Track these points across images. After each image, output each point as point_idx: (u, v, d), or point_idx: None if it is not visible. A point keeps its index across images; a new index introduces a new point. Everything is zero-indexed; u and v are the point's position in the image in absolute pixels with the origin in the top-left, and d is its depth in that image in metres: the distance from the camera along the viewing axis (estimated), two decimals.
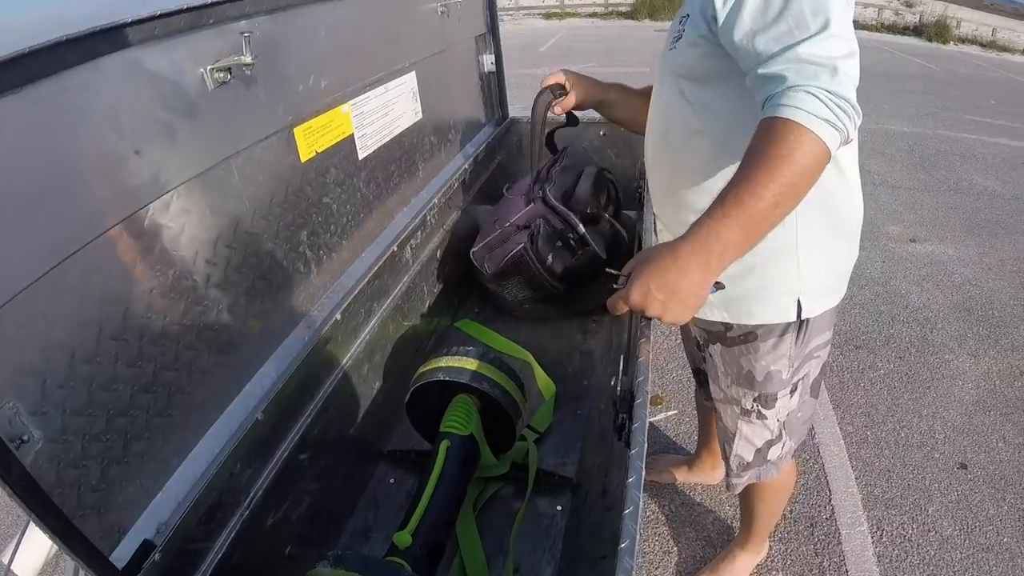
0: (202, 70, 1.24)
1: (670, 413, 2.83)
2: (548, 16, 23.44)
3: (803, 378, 1.55)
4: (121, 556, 1.09)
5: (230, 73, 1.30)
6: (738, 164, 1.03)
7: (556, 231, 2.28)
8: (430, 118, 2.43)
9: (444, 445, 1.59)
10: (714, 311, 1.47)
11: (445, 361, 1.76)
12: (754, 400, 1.56)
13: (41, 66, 0.91)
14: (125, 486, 1.12)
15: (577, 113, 1.93)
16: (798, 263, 1.35)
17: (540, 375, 2.23)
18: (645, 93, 1.72)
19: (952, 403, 3.05)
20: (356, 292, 1.78)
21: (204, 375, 1.31)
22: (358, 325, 1.83)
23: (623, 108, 1.85)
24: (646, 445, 1.08)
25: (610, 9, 22.85)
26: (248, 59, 1.30)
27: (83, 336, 1.02)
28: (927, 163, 6.69)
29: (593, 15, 23.09)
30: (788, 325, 1.42)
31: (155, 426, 1.18)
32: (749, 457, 1.67)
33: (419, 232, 2.22)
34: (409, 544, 1.37)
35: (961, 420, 2.95)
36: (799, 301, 1.38)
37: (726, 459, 1.74)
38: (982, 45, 21.08)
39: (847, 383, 3.17)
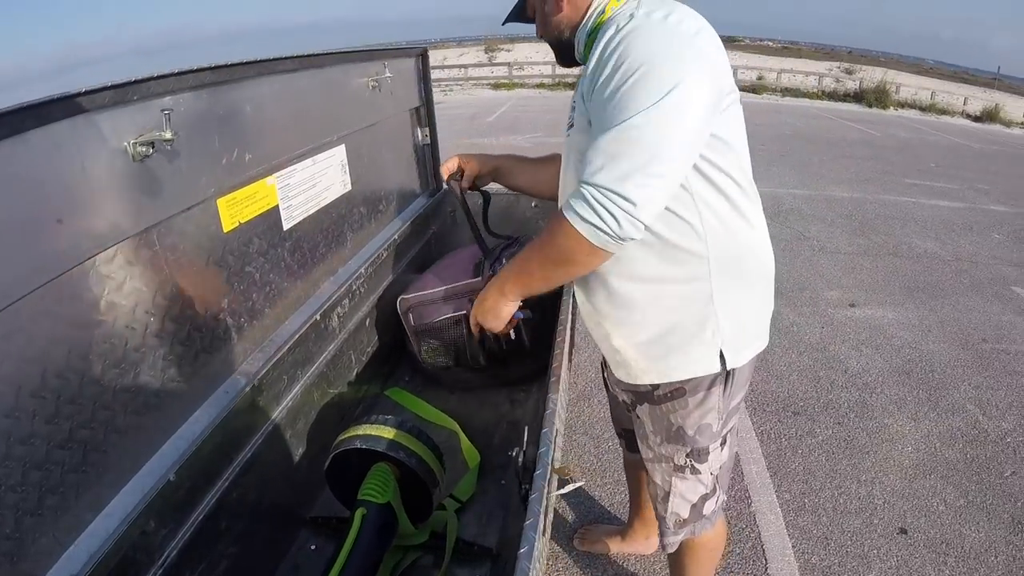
0: (125, 143, 1.34)
1: (576, 484, 2.89)
2: (496, 86, 24.27)
3: (731, 430, 1.67)
4: None
5: (152, 147, 1.39)
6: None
7: None
8: (360, 189, 2.55)
9: (360, 513, 1.67)
10: (642, 376, 1.59)
11: (363, 429, 1.85)
12: (687, 456, 1.65)
13: None
14: (38, 537, 1.18)
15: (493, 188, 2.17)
16: (716, 316, 1.48)
17: (466, 444, 2.31)
18: (541, 161, 2.12)
19: (891, 467, 3.19)
20: (277, 359, 1.86)
21: (120, 434, 1.38)
22: (280, 392, 1.90)
23: (518, 176, 2.17)
24: (542, 517, 1.18)
25: (557, 80, 23.85)
26: (168, 135, 1.39)
27: (2, 393, 1.10)
28: (867, 228, 7.07)
29: (540, 86, 24.02)
30: (715, 377, 1.54)
31: (69, 481, 1.24)
32: (686, 514, 1.75)
33: (346, 300, 2.32)
34: None
35: (901, 484, 3.08)
36: (722, 353, 1.50)
37: (661, 518, 1.81)
38: (922, 109, 22.34)
39: (784, 450, 3.30)
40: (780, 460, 3.24)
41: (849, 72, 28.65)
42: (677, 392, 1.58)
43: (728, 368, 1.53)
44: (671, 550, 1.88)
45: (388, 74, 2.67)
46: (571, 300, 1.87)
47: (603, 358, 1.86)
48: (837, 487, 3.05)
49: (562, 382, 1.62)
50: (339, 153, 2.38)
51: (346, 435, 1.88)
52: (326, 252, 2.37)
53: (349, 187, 2.48)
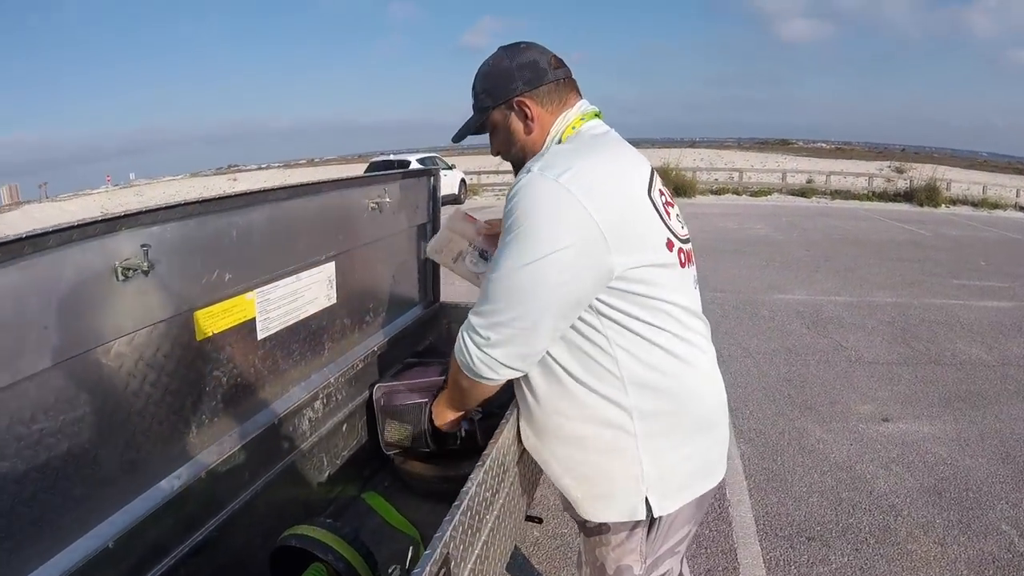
0: (114, 264, 1.51)
1: None
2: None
3: (663, 575, 1.62)
4: None
5: (138, 269, 1.56)
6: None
7: None
8: (345, 302, 2.64)
9: None
10: (574, 507, 1.61)
11: (303, 529, 1.94)
12: None
13: None
14: None
15: None
16: (641, 464, 1.47)
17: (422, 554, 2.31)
18: None
19: None
20: (233, 452, 1.98)
21: (75, 500, 1.52)
22: (240, 484, 2.02)
23: None
24: None
25: None
26: (145, 266, 1.57)
27: None
28: (908, 335, 6.87)
29: None
30: (638, 522, 1.52)
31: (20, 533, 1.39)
32: None
33: (318, 404, 2.42)
34: None
35: None
36: (647, 500, 1.48)
37: None
38: (973, 204, 22.04)
39: None
40: None
41: (900, 171, 28.52)
42: (602, 528, 1.58)
43: (655, 516, 1.50)
44: None
45: (388, 199, 2.78)
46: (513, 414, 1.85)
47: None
48: None
49: (469, 499, 1.54)
50: (327, 269, 2.48)
51: (288, 532, 1.97)
52: (300, 360, 2.45)
53: (334, 300, 2.57)
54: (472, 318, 1.44)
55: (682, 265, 1.49)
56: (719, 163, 36.61)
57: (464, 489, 1.51)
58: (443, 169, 22.01)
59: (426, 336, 3.31)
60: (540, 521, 3.03)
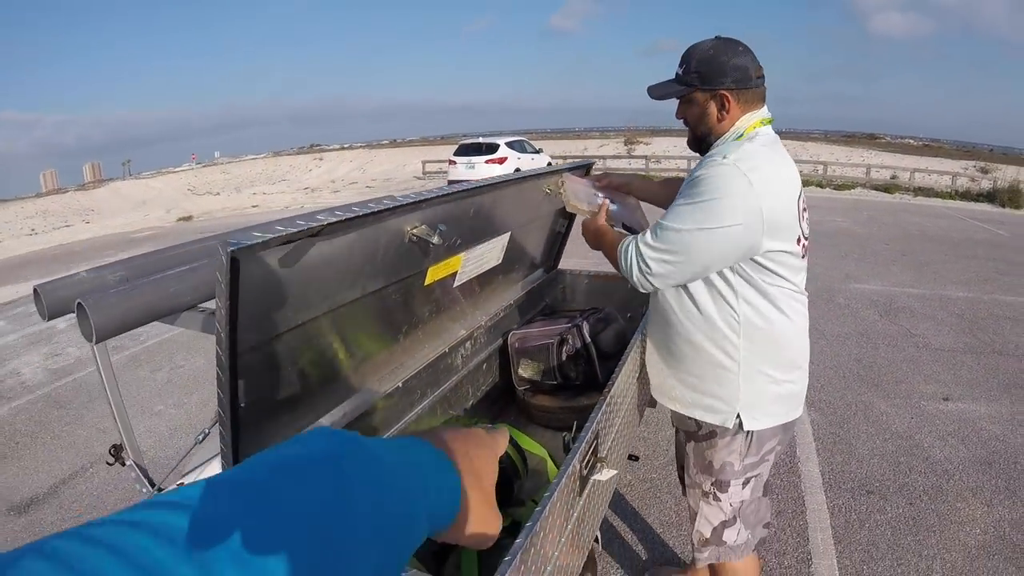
0: (407, 229, 2.08)
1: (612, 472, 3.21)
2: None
3: (756, 476, 2.16)
4: None
5: (415, 237, 2.12)
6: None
7: (576, 350, 3.11)
8: (504, 263, 3.22)
9: None
10: (686, 410, 2.17)
11: (464, 422, 2.59)
12: (712, 484, 2.17)
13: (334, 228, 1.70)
14: None
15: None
16: (739, 388, 2.02)
17: (551, 467, 2.79)
18: (663, 182, 2.74)
19: (956, 546, 3.38)
20: (414, 373, 2.60)
21: (302, 393, 2.03)
22: (413, 401, 2.62)
23: (644, 192, 2.73)
24: (567, 476, 1.78)
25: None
26: (435, 240, 2.15)
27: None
28: (976, 327, 7.11)
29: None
30: (737, 430, 2.06)
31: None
32: (707, 533, 2.22)
33: (468, 344, 3.04)
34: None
35: (962, 562, 3.26)
36: (739, 415, 2.03)
37: (692, 536, 2.30)
38: None
39: (852, 523, 3.55)
40: (847, 531, 3.50)
41: (984, 171, 27.79)
42: (711, 435, 2.12)
43: (745, 429, 2.03)
44: (699, 565, 2.32)
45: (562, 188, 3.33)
46: (637, 344, 2.52)
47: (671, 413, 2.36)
48: (897, 559, 3.28)
49: (615, 390, 2.20)
50: (504, 239, 3.04)
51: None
52: (467, 305, 3.07)
53: (500, 260, 3.13)
54: (643, 248, 1.94)
55: (802, 257, 2.00)
56: (803, 155, 36.04)
57: (606, 390, 2.14)
58: (531, 153, 21.69)
59: (546, 296, 3.90)
60: (637, 459, 3.53)
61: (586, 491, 1.95)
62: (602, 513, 2.29)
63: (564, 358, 3.12)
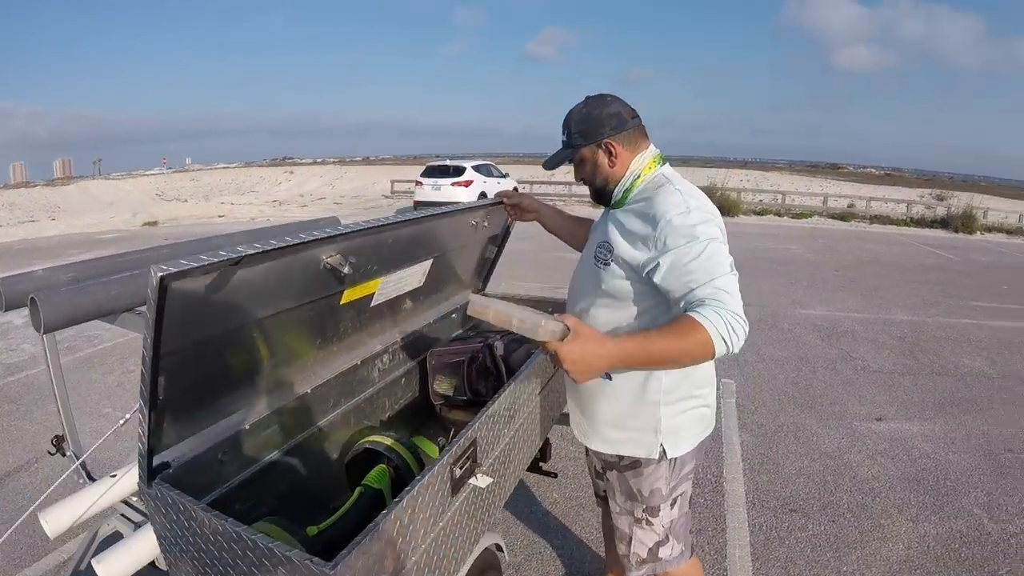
0: (322, 258, 2.16)
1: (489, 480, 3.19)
2: (596, 205, 25.78)
3: (682, 494, 2.26)
4: None
5: (332, 266, 2.21)
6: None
7: (487, 368, 3.20)
8: (426, 286, 3.28)
9: (359, 491, 2.33)
10: (611, 447, 2.21)
11: (373, 438, 2.58)
12: (643, 511, 2.23)
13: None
14: None
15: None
16: (660, 418, 2.10)
17: None
18: (576, 220, 2.80)
19: (877, 562, 3.43)
20: (325, 381, 2.70)
21: (215, 396, 2.15)
22: (325, 408, 2.73)
23: (557, 226, 2.82)
24: (427, 477, 1.86)
25: None
26: (346, 270, 2.23)
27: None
28: (917, 349, 7.28)
29: None
30: (661, 457, 2.13)
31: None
32: (644, 554, 2.29)
33: (384, 358, 3.14)
34: (315, 534, 2.09)
35: None
36: (662, 444, 2.11)
37: (625, 557, 2.35)
38: (1009, 232, 22.12)
39: (772, 540, 3.60)
40: (766, 548, 3.55)
41: (940, 198, 28.55)
42: (635, 463, 2.19)
43: (669, 457, 2.13)
44: None
45: (486, 222, 3.40)
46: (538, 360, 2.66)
47: (585, 449, 2.43)
48: (815, 575, 3.34)
49: (498, 403, 2.29)
50: (426, 265, 3.11)
51: (361, 441, 2.61)
52: (386, 323, 3.15)
53: (421, 284, 3.19)
54: (735, 308, 1.73)
55: None
56: (764, 184, 36.74)
57: (490, 401, 2.21)
58: (497, 177, 22.24)
59: (470, 318, 3.97)
60: (555, 476, 3.56)
61: (462, 494, 2.02)
62: (490, 520, 2.35)
63: (475, 375, 3.21)
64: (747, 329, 1.73)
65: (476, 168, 21.81)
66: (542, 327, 1.61)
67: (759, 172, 48.58)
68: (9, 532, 1.99)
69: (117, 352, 7.23)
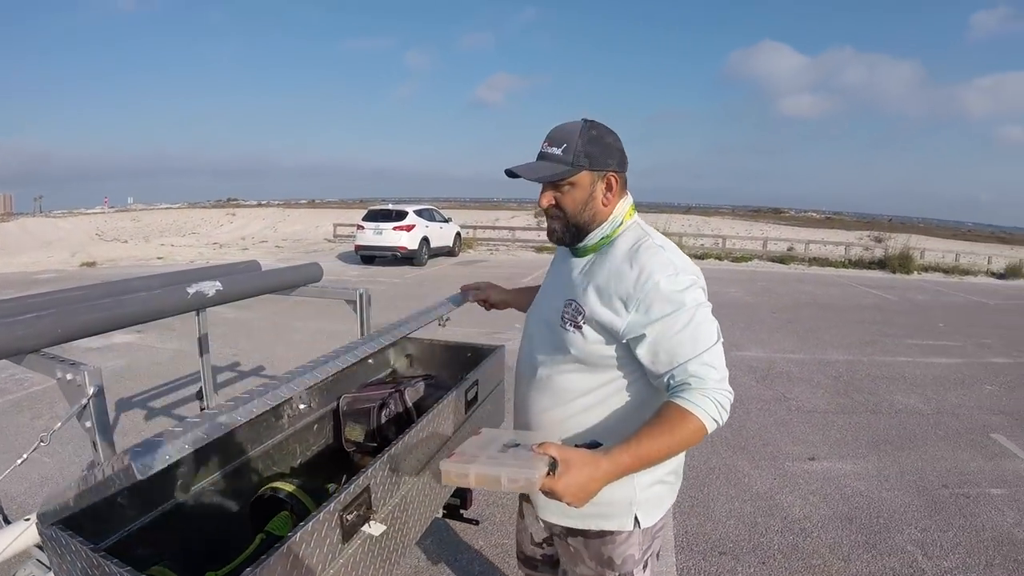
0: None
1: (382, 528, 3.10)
2: (540, 250, 25.84)
3: (653, 554, 2.13)
4: None
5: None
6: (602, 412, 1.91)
7: (397, 414, 3.19)
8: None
9: (260, 537, 2.31)
10: (578, 521, 2.05)
11: (277, 484, 2.49)
12: None
13: None
14: None
15: None
16: (635, 488, 1.96)
17: None
18: (517, 291, 2.74)
19: None
20: (241, 423, 2.55)
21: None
22: (230, 453, 2.65)
23: (501, 299, 2.77)
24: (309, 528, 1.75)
25: None
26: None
27: None
28: (852, 388, 7.38)
29: None
30: (635, 525, 2.01)
31: None
32: None
33: (294, 403, 3.07)
34: None
35: None
36: (636, 515, 1.98)
37: None
38: (945, 271, 22.87)
39: None
40: None
41: (878, 240, 29.41)
42: (604, 533, 2.05)
43: (642, 527, 2.01)
44: None
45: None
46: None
47: (520, 510, 2.39)
48: None
49: (396, 448, 2.21)
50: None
51: (266, 486, 2.51)
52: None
53: None
54: (720, 382, 1.71)
55: None
56: (706, 229, 37.39)
57: (387, 448, 2.13)
58: (440, 221, 22.52)
59: (393, 362, 3.91)
60: (477, 523, 3.48)
61: (355, 542, 1.95)
62: (391, 570, 2.27)
63: (384, 421, 3.16)
64: (732, 397, 1.72)
65: (418, 213, 21.94)
66: (536, 481, 1.49)
67: (701, 217, 49.45)
68: None
69: (47, 396, 6.94)
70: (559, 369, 1.98)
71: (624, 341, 1.82)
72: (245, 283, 3.34)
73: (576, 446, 1.66)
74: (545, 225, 2.05)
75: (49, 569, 2.28)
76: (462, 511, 3.35)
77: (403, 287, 15.53)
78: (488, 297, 2.81)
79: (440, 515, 3.37)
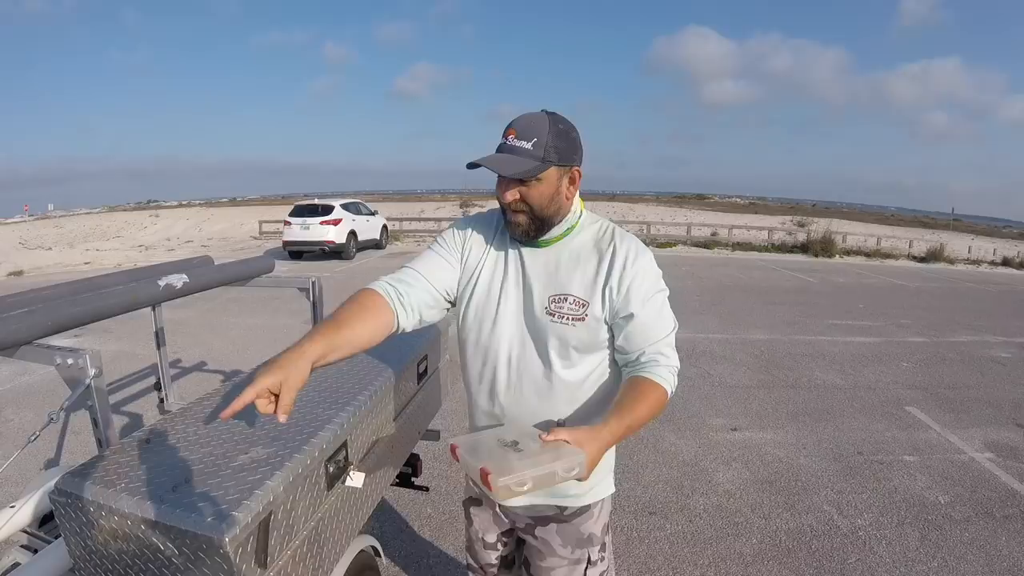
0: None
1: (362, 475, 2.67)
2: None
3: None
4: None
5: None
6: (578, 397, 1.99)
7: None
8: None
9: None
10: (558, 499, 2.13)
11: None
12: (599, 550, 2.24)
13: None
14: None
15: None
16: (611, 460, 2.18)
17: None
18: (358, 319, 1.97)
19: (731, 556, 3.83)
20: None
21: None
22: None
23: (348, 348, 2.01)
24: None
25: None
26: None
27: None
28: (773, 365, 7.96)
29: None
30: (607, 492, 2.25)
31: None
32: None
33: None
34: None
35: (737, 569, 3.72)
36: (612, 478, 2.22)
37: None
38: (867, 255, 23.96)
39: (632, 541, 3.96)
40: (627, 547, 3.91)
41: (801, 224, 30.48)
42: (583, 509, 2.20)
43: (612, 492, 2.24)
44: None
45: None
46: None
47: (473, 496, 2.41)
48: (673, 569, 3.69)
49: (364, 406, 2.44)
50: None
51: None
52: None
53: None
54: (668, 350, 1.93)
55: None
56: (630, 216, 38.11)
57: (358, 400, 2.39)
58: (366, 215, 22.67)
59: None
60: (427, 489, 3.78)
61: (335, 491, 2.21)
62: (362, 523, 2.51)
63: None
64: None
65: (344, 206, 22.22)
66: (586, 463, 1.59)
67: (627, 204, 50.34)
68: None
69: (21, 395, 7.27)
70: (554, 366, 1.99)
71: (610, 324, 1.94)
72: (206, 275, 3.58)
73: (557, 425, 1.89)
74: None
75: (34, 551, 2.54)
76: (413, 479, 3.61)
77: (334, 281, 15.72)
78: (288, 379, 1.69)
79: (392, 483, 3.63)
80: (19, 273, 23.13)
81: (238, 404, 1.70)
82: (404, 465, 3.54)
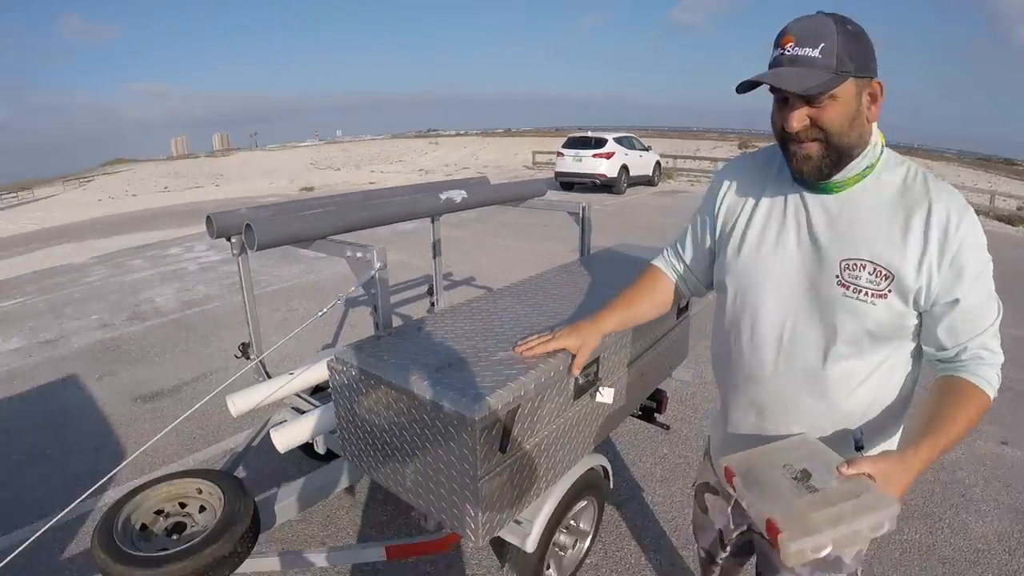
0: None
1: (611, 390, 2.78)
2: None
3: None
4: None
5: None
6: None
7: None
8: None
9: None
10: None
11: None
12: None
13: None
14: None
15: None
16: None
17: None
18: (640, 297, 2.20)
19: None
20: None
21: None
22: None
23: (635, 323, 2.27)
24: None
25: None
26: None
27: None
28: None
29: None
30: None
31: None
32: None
33: None
34: None
35: None
36: None
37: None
38: None
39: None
40: None
41: None
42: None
43: None
44: None
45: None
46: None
47: (711, 483, 2.22)
48: None
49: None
50: None
51: None
52: None
53: None
54: (994, 342, 1.58)
55: None
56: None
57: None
58: (640, 150, 23.03)
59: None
60: (668, 428, 3.93)
61: (581, 402, 2.42)
62: (598, 440, 2.71)
63: None
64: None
65: (618, 140, 22.25)
66: (895, 516, 1.32)
67: (924, 161, 46.40)
68: (197, 406, 2.34)
69: (282, 294, 8.94)
70: (837, 355, 1.66)
71: (929, 307, 1.58)
72: (483, 193, 3.82)
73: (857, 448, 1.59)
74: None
75: (301, 413, 2.97)
76: (656, 414, 3.67)
77: (604, 215, 16.62)
78: (585, 344, 2.20)
79: (636, 413, 3.72)
80: (310, 189, 26.87)
81: (539, 350, 2.23)
82: (649, 399, 3.66)
